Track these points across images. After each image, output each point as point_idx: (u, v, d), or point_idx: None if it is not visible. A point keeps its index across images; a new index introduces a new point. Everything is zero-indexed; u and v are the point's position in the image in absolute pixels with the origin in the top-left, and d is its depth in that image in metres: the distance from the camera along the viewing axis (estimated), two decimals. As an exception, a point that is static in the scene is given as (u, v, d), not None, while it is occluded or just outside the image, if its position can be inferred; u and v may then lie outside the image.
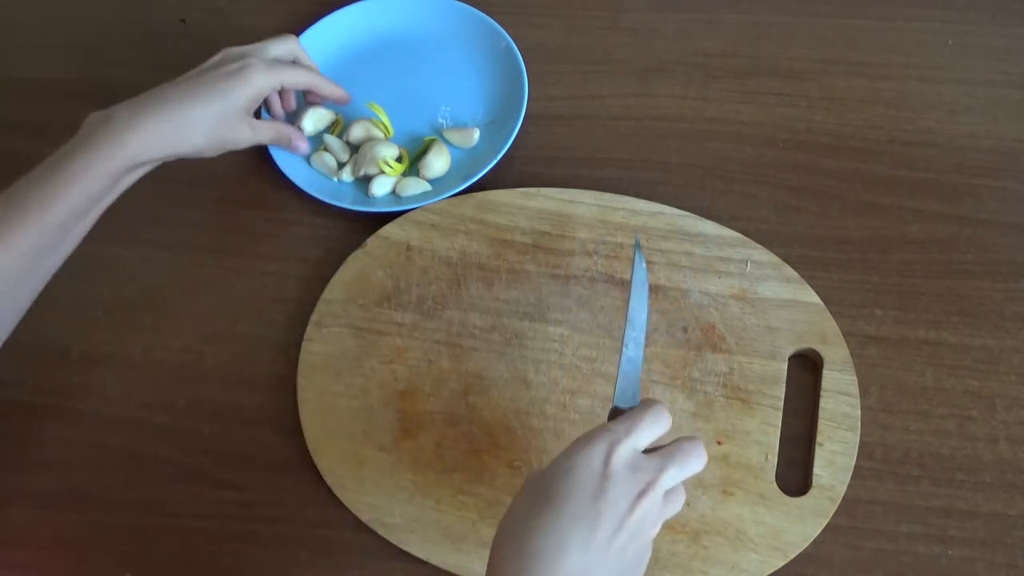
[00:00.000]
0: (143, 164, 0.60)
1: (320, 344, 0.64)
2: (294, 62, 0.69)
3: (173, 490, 0.61)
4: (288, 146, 0.70)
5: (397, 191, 0.70)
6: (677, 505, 0.47)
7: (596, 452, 0.44)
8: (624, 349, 0.51)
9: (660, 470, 0.45)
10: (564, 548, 0.42)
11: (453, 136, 0.73)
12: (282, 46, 0.67)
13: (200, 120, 0.61)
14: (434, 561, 0.57)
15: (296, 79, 0.67)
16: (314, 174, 0.72)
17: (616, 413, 0.50)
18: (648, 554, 0.46)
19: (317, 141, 0.73)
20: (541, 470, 0.46)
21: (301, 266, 0.69)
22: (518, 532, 0.43)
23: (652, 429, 0.46)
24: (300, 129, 0.71)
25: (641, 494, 0.44)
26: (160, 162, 0.62)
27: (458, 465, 0.59)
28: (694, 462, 0.46)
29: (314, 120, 0.72)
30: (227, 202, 0.72)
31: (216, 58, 0.64)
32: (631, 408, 0.49)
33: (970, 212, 0.67)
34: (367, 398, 0.62)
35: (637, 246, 0.56)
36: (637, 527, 0.44)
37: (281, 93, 0.71)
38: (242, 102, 0.63)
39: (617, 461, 0.44)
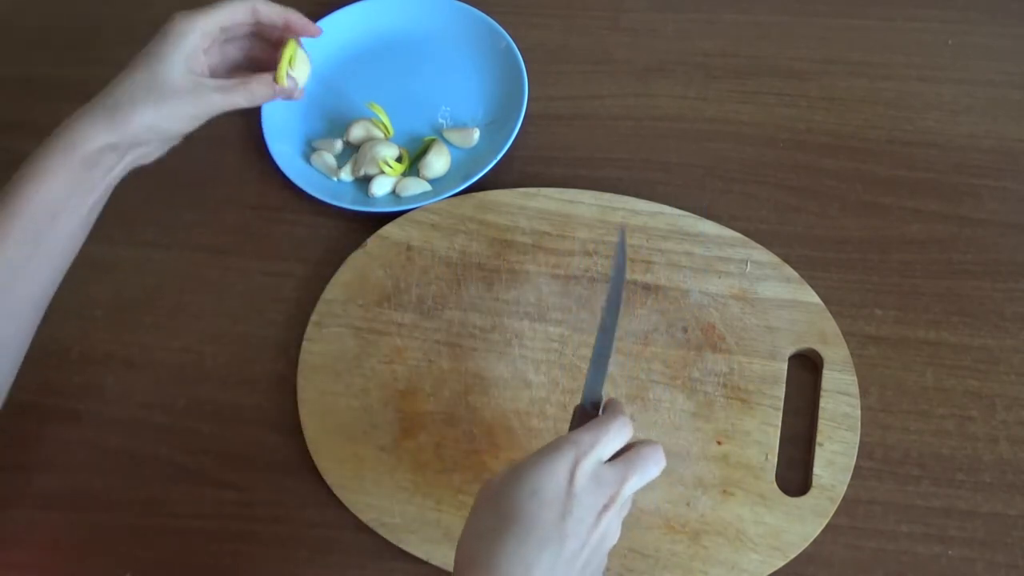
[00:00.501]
0: (106, 152, 0.55)
1: (320, 344, 0.64)
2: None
3: (173, 490, 0.61)
4: (276, 97, 0.62)
5: (397, 191, 0.70)
6: (629, 506, 0.48)
7: (561, 468, 0.44)
8: (595, 344, 0.52)
9: (623, 481, 0.45)
10: (532, 571, 0.42)
11: (453, 136, 0.73)
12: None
13: (139, 91, 0.55)
14: (434, 561, 0.57)
15: (230, 14, 0.59)
16: (314, 174, 0.72)
17: (581, 412, 0.50)
18: (605, 560, 0.47)
19: (306, 148, 0.73)
20: (500, 482, 0.45)
21: (301, 266, 0.69)
22: (483, 555, 0.43)
23: (616, 440, 0.46)
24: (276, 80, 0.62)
25: (605, 508, 0.44)
26: (133, 151, 0.57)
27: (458, 465, 0.59)
28: (653, 468, 0.47)
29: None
30: (227, 202, 0.72)
31: None
32: (594, 414, 0.49)
33: (970, 212, 0.67)
34: (367, 398, 0.62)
35: (622, 237, 0.55)
36: (600, 540, 0.44)
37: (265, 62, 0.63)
38: (175, 55, 0.56)
39: (582, 476, 0.44)
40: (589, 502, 0.44)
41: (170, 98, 0.56)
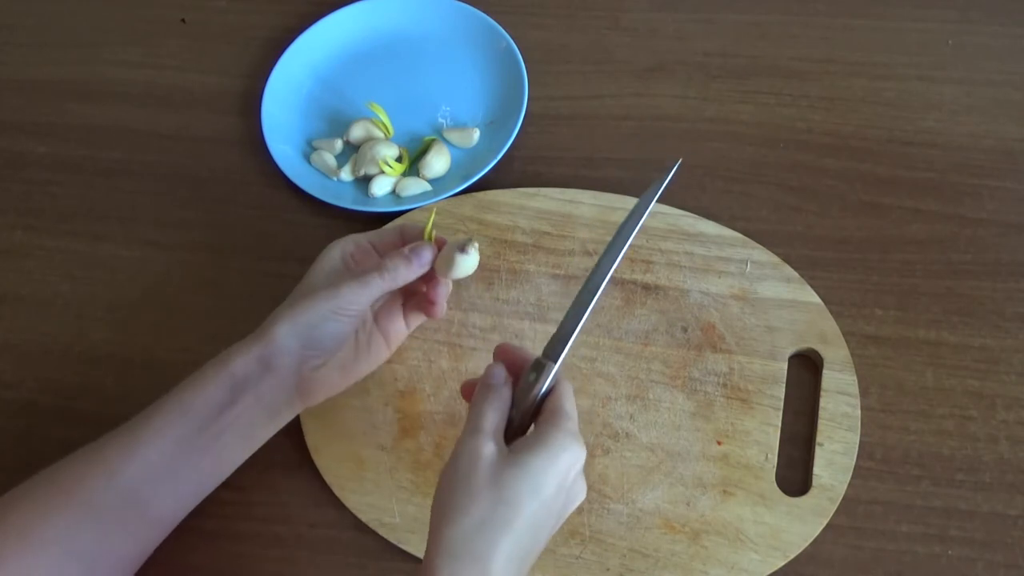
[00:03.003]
0: (252, 368, 0.54)
1: (320, 344, 0.64)
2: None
3: (173, 490, 0.61)
4: (416, 267, 0.57)
5: (397, 191, 0.70)
6: None
7: (564, 467, 0.46)
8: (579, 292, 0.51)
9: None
10: (525, 553, 0.46)
11: (453, 136, 0.73)
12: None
13: (285, 306, 0.56)
14: (434, 561, 0.57)
15: (379, 234, 0.61)
16: (314, 174, 0.72)
17: (535, 363, 0.49)
18: None
19: (306, 148, 0.73)
20: (499, 465, 0.45)
21: (301, 266, 0.68)
22: (479, 540, 0.44)
23: None
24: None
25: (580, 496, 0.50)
26: (282, 368, 0.55)
27: (458, 465, 0.59)
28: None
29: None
30: (227, 202, 0.72)
31: None
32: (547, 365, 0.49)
33: (970, 212, 0.67)
34: (367, 398, 0.62)
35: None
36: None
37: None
38: (322, 263, 0.58)
39: (575, 475, 0.48)
40: (576, 492, 0.48)
41: (304, 297, 0.55)
